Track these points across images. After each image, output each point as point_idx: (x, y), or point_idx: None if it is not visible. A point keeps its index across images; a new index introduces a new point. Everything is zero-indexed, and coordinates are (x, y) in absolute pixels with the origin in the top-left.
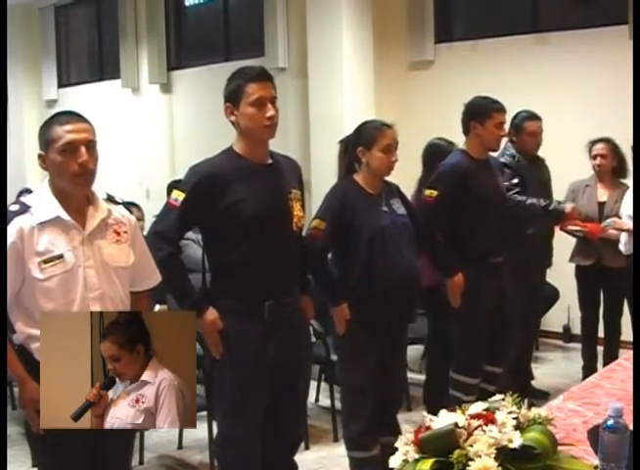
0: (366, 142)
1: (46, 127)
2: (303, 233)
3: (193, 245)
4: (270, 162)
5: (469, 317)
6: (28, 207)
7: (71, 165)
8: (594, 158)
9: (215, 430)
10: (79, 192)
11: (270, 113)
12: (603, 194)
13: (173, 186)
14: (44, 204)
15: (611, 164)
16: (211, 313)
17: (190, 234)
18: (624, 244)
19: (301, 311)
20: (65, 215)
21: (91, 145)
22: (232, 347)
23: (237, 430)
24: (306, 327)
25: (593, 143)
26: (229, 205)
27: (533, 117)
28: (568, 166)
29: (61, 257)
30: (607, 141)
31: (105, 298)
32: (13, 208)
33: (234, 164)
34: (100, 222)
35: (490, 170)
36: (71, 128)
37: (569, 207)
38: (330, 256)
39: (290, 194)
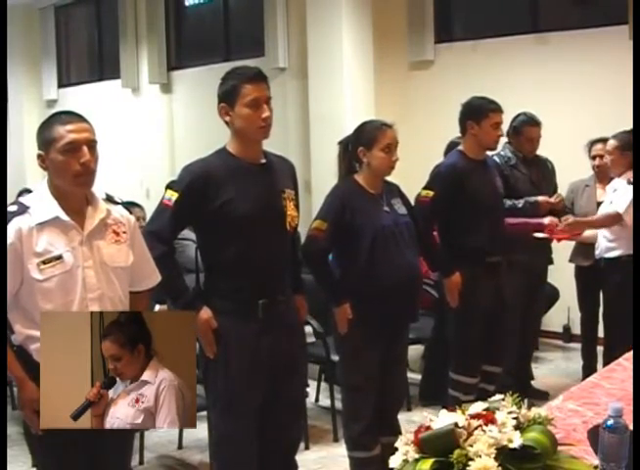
0: (367, 142)
1: (46, 127)
2: (304, 234)
3: (193, 246)
4: (264, 161)
5: (466, 317)
6: (27, 207)
7: (73, 165)
8: (593, 158)
9: None
10: (80, 192)
11: (266, 114)
12: (602, 194)
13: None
14: (43, 204)
15: None
16: (205, 313)
17: (191, 235)
18: (597, 248)
19: (295, 310)
20: (63, 216)
21: (92, 145)
22: (226, 346)
23: (233, 429)
24: (300, 326)
25: (592, 143)
26: (222, 204)
27: (533, 122)
28: (567, 166)
29: (60, 257)
30: (606, 141)
31: (104, 298)
32: (11, 208)
33: (227, 163)
34: (99, 223)
35: (487, 170)
36: (73, 128)
37: (541, 198)
38: (331, 256)
39: (283, 193)
